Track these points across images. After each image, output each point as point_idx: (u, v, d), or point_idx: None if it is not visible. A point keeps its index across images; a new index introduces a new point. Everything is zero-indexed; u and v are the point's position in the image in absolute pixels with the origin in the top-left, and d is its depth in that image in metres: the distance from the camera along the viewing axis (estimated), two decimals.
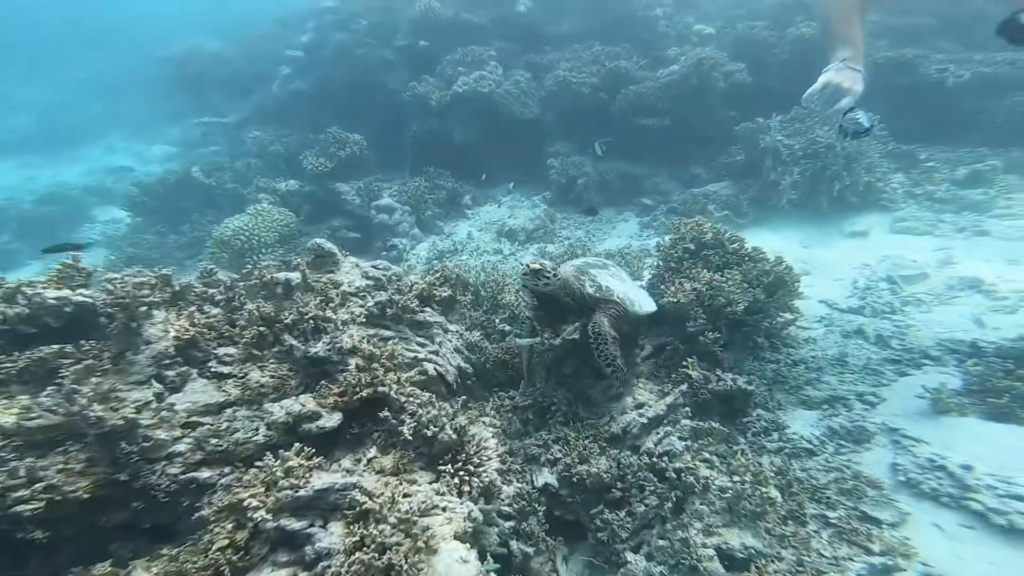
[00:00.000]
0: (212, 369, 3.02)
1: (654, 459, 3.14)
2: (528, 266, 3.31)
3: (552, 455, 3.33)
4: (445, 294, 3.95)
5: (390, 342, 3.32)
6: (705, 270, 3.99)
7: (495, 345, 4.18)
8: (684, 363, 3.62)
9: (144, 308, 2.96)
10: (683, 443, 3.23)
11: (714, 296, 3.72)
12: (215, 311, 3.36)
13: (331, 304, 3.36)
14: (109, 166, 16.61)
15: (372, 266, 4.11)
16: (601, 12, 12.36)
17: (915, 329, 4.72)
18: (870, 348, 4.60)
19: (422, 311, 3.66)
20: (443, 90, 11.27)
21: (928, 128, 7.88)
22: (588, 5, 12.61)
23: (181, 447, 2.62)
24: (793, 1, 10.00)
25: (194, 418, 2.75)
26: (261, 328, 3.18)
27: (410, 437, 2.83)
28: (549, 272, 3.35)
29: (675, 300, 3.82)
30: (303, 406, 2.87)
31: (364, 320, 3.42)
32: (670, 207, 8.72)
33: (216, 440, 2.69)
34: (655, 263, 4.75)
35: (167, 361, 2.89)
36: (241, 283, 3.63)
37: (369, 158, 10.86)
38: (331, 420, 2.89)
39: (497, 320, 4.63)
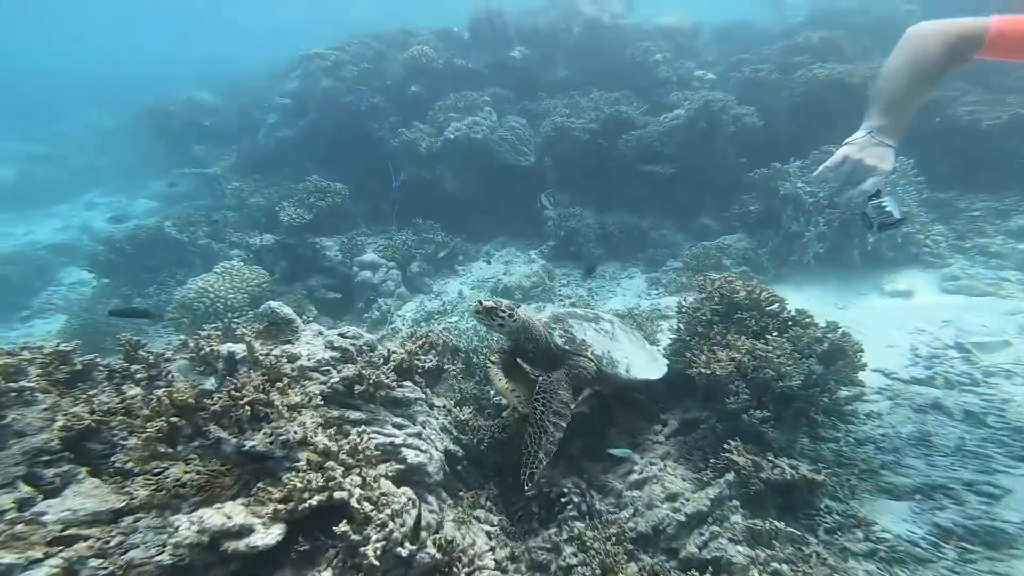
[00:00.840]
0: (116, 465, 2.46)
1: (705, 574, 2.57)
2: (480, 303, 2.98)
3: (565, 561, 2.73)
4: (430, 364, 3.45)
5: (357, 429, 2.75)
6: (743, 336, 3.50)
7: (491, 422, 3.61)
8: (726, 446, 3.11)
9: (14, 394, 2.50)
10: (738, 548, 2.65)
11: (759, 368, 3.23)
12: (134, 391, 2.82)
13: (279, 384, 2.76)
14: (85, 223, 16.00)
15: (340, 334, 3.41)
16: (598, 59, 12.22)
17: (1016, 404, 4.05)
18: (958, 426, 3.94)
19: (401, 385, 3.11)
20: (434, 136, 10.79)
21: (963, 174, 7.27)
22: (584, 52, 12.51)
23: (40, 574, 1.89)
24: (801, 42, 9.66)
25: (72, 531, 2.10)
26: (173, 418, 2.49)
27: (376, 562, 2.13)
28: (504, 311, 2.99)
29: (707, 371, 3.31)
30: (228, 518, 2.13)
31: (324, 401, 2.86)
32: (681, 262, 7.95)
33: (98, 562, 1.99)
34: (675, 326, 4.20)
35: (46, 458, 2.34)
36: (176, 357, 3.18)
37: (352, 209, 10.25)
38: (268, 536, 2.15)
39: (492, 392, 3.97)
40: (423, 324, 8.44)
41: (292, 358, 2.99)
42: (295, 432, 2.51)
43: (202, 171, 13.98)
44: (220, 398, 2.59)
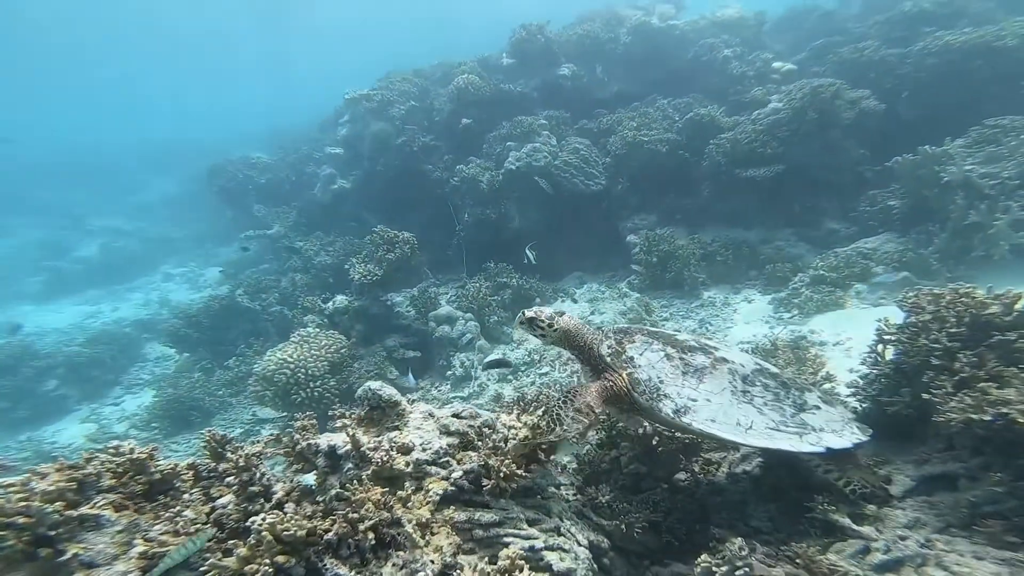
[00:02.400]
0: None
1: None
2: (523, 313, 3.08)
3: None
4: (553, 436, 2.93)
5: (493, 534, 2.39)
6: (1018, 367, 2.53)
7: (636, 498, 2.99)
8: None
9: (70, 522, 2.14)
10: None
11: None
12: (226, 498, 2.45)
13: (401, 494, 2.43)
14: (164, 297, 16.68)
15: (454, 415, 2.91)
16: (655, 65, 11.31)
17: None
18: None
19: (528, 470, 2.68)
20: (493, 170, 10.21)
21: None
22: (638, 60, 11.63)
23: None
24: (911, 10, 8.30)
25: None
26: (279, 558, 2.06)
27: None
28: (543, 321, 3.01)
29: (976, 416, 2.44)
30: None
31: (446, 500, 2.52)
32: (815, 276, 6.76)
33: None
34: (869, 357, 3.28)
35: None
36: (267, 450, 2.74)
37: (420, 259, 9.74)
38: None
39: (624, 456, 3.25)
40: (511, 378, 7.72)
41: (404, 449, 2.61)
42: (432, 563, 2.20)
43: (264, 232, 14.15)
44: (336, 521, 2.22)
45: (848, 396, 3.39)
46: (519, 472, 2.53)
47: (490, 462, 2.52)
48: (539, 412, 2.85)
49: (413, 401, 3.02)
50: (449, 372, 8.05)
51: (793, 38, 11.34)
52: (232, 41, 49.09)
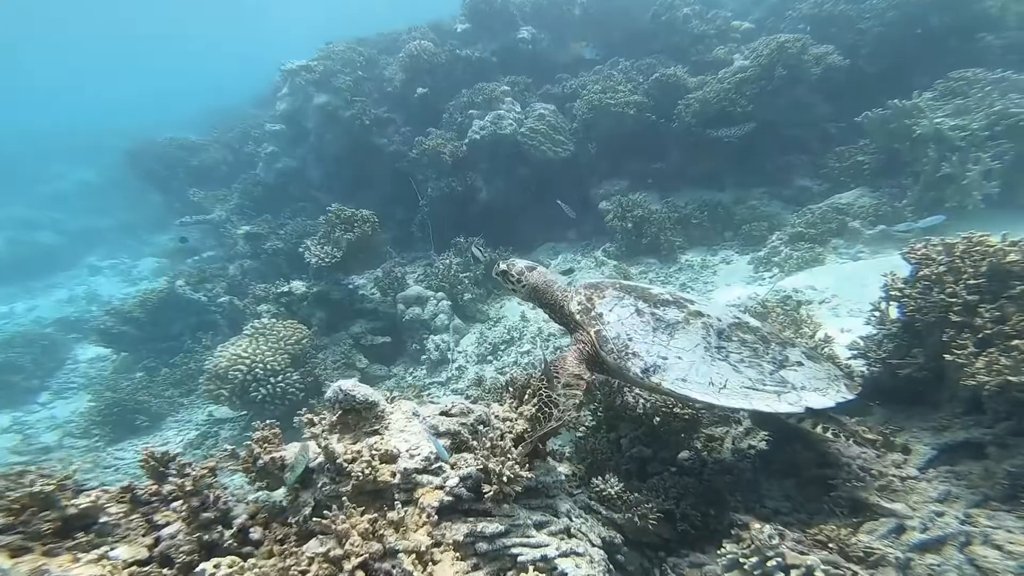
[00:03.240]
0: None
1: None
2: (497, 265, 3.13)
3: None
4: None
5: (500, 545, 2.08)
6: None
7: (644, 485, 2.76)
8: None
9: None
10: None
11: None
12: (173, 527, 2.05)
13: (391, 517, 2.03)
14: (91, 292, 15.03)
15: (443, 412, 2.58)
16: (615, 27, 10.93)
17: None
18: None
19: (532, 467, 2.41)
20: (456, 140, 9.64)
21: None
22: (597, 22, 11.20)
23: None
24: None
25: None
26: None
27: None
28: (514, 276, 3.05)
29: (1014, 379, 2.24)
30: None
31: (443, 512, 2.18)
32: (793, 233, 6.80)
33: None
34: (873, 316, 3.11)
35: None
36: (220, 465, 2.33)
37: (382, 237, 9.13)
38: None
39: (625, 439, 3.06)
40: (491, 359, 7.42)
41: (388, 457, 2.25)
42: None
43: (204, 217, 12.90)
44: (315, 561, 1.86)
45: (849, 358, 3.25)
46: (523, 473, 2.23)
47: (490, 465, 2.19)
48: (534, 400, 2.57)
49: (393, 399, 2.68)
50: (424, 356, 7.64)
51: None
52: (130, 22, 44.02)
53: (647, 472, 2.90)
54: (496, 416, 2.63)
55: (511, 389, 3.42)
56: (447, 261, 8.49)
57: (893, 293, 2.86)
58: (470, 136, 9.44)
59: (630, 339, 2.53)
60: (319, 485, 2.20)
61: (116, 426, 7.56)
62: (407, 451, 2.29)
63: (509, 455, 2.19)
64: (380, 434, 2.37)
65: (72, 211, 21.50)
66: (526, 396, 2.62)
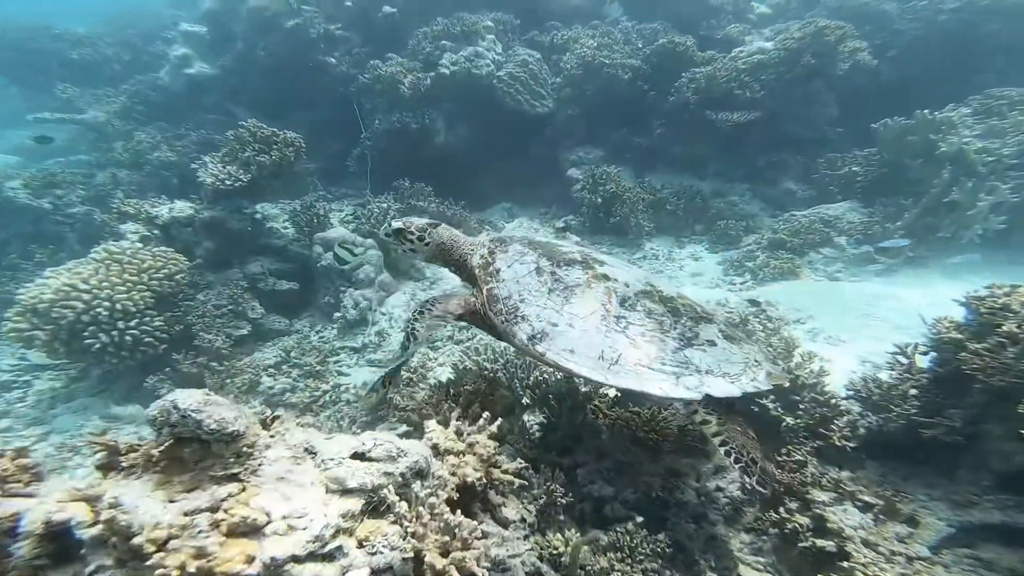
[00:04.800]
0: None
1: None
2: (390, 224, 2.76)
3: None
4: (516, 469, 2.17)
5: None
6: None
7: (604, 535, 2.36)
8: None
9: None
10: None
11: None
12: None
13: None
14: None
15: (356, 454, 1.69)
16: None
17: None
18: None
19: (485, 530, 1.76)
20: (420, 71, 8.20)
21: None
22: None
23: None
24: None
25: None
26: None
27: None
28: (414, 233, 2.70)
29: None
30: None
31: None
32: (774, 239, 6.17)
33: None
34: (897, 361, 2.78)
35: None
36: None
37: (307, 166, 7.49)
38: None
39: (583, 470, 2.61)
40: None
41: (246, 528, 1.35)
42: None
43: (74, 117, 10.29)
44: None
45: (846, 398, 2.83)
46: (477, 570, 1.54)
47: (426, 553, 1.51)
48: (491, 419, 2.17)
49: (274, 420, 1.76)
50: (338, 314, 6.18)
51: None
52: None
53: (604, 516, 2.45)
54: (437, 446, 1.96)
55: (453, 391, 2.77)
56: (384, 205, 7.06)
57: (944, 340, 2.45)
58: (439, 70, 8.11)
59: (522, 300, 2.31)
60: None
61: None
62: (284, 519, 1.42)
63: (458, 531, 1.53)
64: (242, 482, 1.51)
65: None
66: (475, 405, 2.22)
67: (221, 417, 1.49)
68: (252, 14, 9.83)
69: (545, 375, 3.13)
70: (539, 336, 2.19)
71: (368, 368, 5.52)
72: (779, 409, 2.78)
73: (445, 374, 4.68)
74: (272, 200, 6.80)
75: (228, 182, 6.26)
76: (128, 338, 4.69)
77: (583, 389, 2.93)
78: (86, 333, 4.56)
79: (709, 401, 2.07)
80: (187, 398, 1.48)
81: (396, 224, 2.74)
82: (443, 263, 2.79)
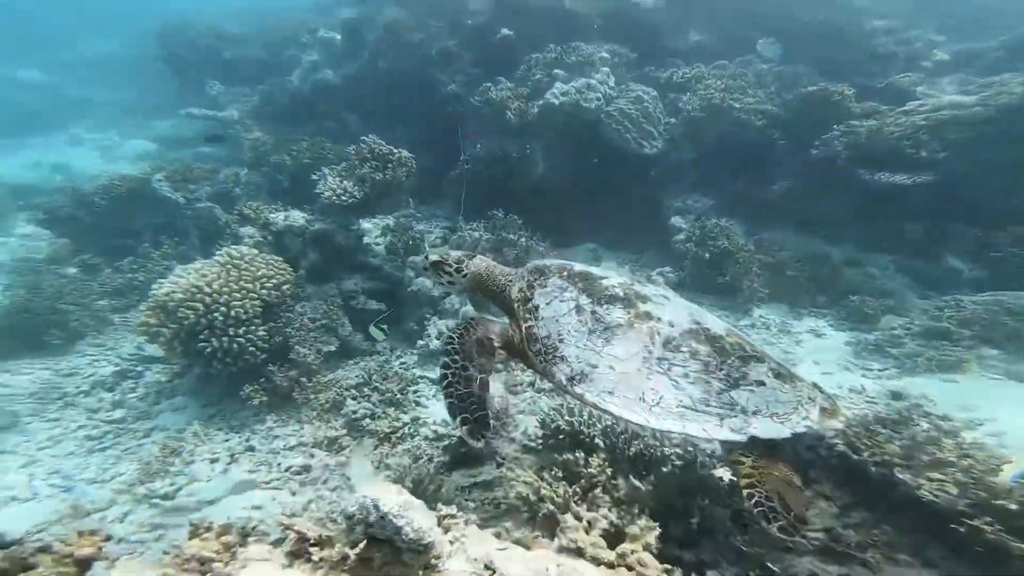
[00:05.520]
0: None
1: None
2: (426, 258, 2.92)
3: None
4: None
5: None
6: None
7: None
8: None
9: None
10: None
11: None
12: None
13: None
14: (63, 162, 13.60)
15: None
16: (763, 18, 9.23)
17: None
18: None
19: None
20: (527, 99, 8.11)
21: None
22: (742, 7, 9.45)
23: None
24: None
25: None
26: None
27: None
28: (451, 265, 2.84)
29: None
30: None
31: None
32: (931, 328, 5.29)
33: None
34: None
35: None
36: None
37: (409, 186, 7.63)
38: None
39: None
40: (501, 367, 5.87)
41: None
42: None
43: (215, 114, 11.38)
44: None
45: None
46: None
47: None
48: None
49: (447, 518, 1.81)
50: (421, 341, 6.13)
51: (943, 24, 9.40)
52: None
53: None
54: (579, 551, 1.87)
55: (563, 467, 2.63)
56: (477, 234, 6.97)
57: None
58: (546, 98, 7.98)
59: (561, 340, 2.38)
60: None
61: (19, 338, 6.01)
62: None
63: None
64: None
65: (78, 79, 20.21)
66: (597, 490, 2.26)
67: (419, 527, 1.50)
68: (387, 27, 10.30)
69: (650, 448, 2.97)
70: (578, 377, 2.24)
71: (446, 402, 5.39)
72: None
73: (528, 424, 4.49)
74: (370, 216, 6.97)
75: (343, 197, 6.50)
76: (235, 345, 4.89)
77: (717, 472, 2.73)
78: (201, 336, 4.82)
79: (755, 442, 2.01)
80: (389, 501, 1.49)
81: (433, 257, 2.87)
82: (481, 294, 2.87)
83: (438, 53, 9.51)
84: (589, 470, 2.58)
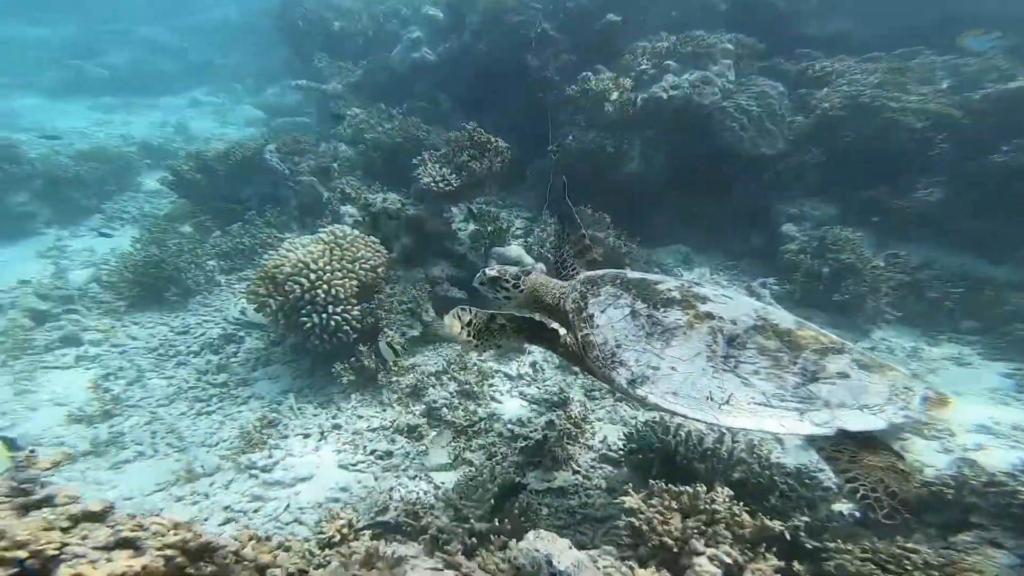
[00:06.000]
0: None
1: None
2: (484, 273, 3.02)
3: None
4: None
5: None
6: None
7: None
8: None
9: None
10: None
11: None
12: None
13: None
14: (183, 122, 15.02)
15: None
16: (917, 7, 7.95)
17: None
18: None
19: None
20: (628, 91, 7.63)
21: None
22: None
23: None
24: None
25: None
26: None
27: None
28: (509, 281, 2.95)
29: None
30: None
31: None
32: None
33: None
34: None
35: None
36: None
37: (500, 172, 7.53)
38: None
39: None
40: (576, 369, 5.71)
41: None
42: None
43: (319, 86, 11.87)
44: None
45: None
46: None
47: None
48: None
49: None
50: None
51: None
52: None
53: None
54: None
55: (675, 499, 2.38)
56: (554, 228, 6.73)
57: None
58: (652, 91, 7.47)
59: (619, 346, 2.38)
60: None
61: (145, 290, 6.68)
62: None
63: None
64: None
65: (201, 44, 21.85)
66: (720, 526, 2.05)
67: None
68: (487, 7, 10.09)
69: (756, 475, 2.90)
70: (640, 380, 2.24)
71: (520, 400, 5.33)
72: None
73: (608, 432, 4.49)
74: (459, 203, 6.96)
75: (440, 184, 6.51)
76: (332, 323, 5.08)
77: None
78: (303, 311, 5.06)
79: (845, 437, 1.94)
80: (565, 558, 1.48)
81: (491, 272, 2.96)
82: (535, 309, 2.91)
83: (535, 36, 9.19)
84: (713, 506, 2.37)
